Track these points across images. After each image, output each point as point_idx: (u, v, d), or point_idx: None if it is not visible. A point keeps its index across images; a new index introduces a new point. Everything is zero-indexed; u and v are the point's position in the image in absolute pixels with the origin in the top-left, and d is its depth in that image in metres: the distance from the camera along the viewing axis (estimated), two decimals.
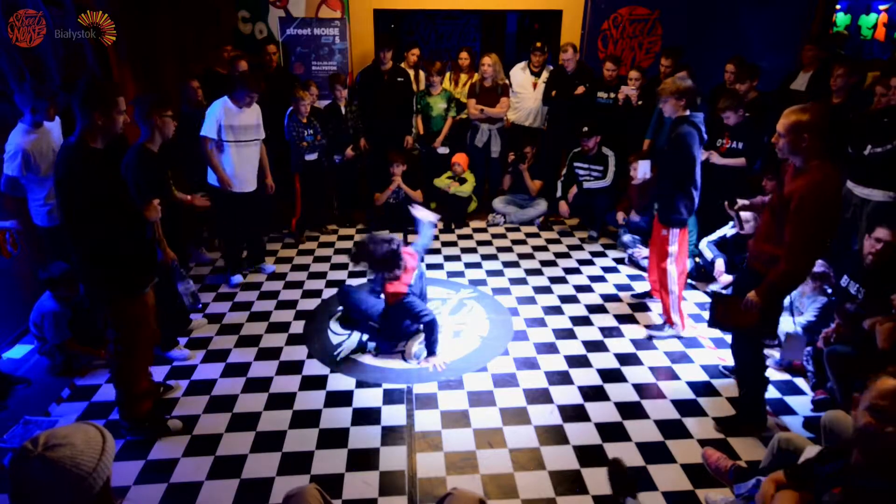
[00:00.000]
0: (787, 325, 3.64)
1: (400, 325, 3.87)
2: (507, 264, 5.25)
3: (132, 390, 3.05)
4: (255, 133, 4.51)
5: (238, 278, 4.81)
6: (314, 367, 3.74)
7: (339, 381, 3.60)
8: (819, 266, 3.60)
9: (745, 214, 4.06)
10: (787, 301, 3.64)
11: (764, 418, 3.16)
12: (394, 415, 3.30)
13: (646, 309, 4.46)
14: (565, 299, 4.62)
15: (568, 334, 4.12)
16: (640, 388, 3.52)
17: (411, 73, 6.13)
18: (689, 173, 3.76)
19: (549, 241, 5.79)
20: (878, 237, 3.21)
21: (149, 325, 3.05)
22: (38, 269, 3.60)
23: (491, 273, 5.08)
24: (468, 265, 5.23)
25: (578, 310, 4.46)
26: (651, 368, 3.72)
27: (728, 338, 4.02)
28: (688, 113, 3.77)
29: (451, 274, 5.06)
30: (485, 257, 5.40)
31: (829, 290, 3.66)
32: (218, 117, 4.27)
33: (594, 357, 3.85)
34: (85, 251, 2.74)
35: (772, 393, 3.47)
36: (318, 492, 1.95)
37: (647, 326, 4.20)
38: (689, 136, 3.68)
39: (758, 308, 2.85)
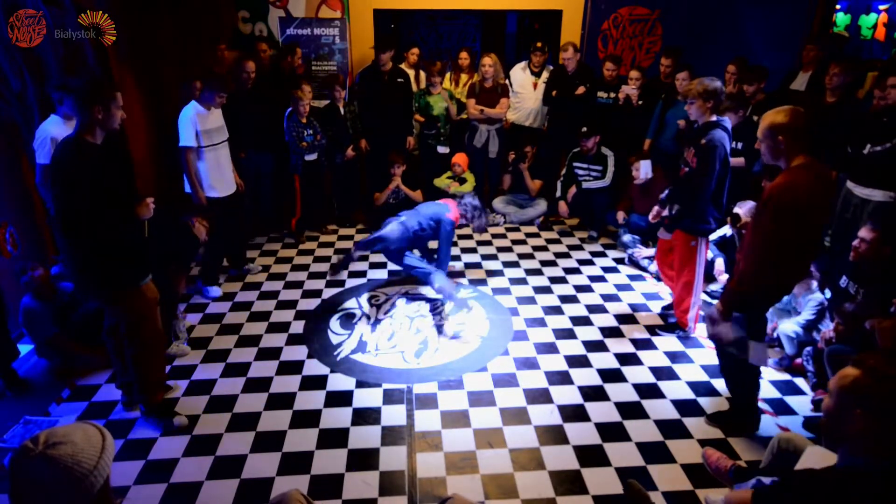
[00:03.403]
0: (789, 325, 3.64)
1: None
2: (507, 264, 5.25)
3: (149, 377, 3.11)
4: (225, 133, 4.46)
5: (217, 291, 4.65)
6: (314, 367, 3.74)
7: (339, 381, 3.60)
8: None
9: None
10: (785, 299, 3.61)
11: (757, 419, 3.14)
12: (394, 415, 3.29)
13: (645, 309, 4.46)
14: (565, 299, 4.62)
15: (568, 334, 4.12)
16: (640, 388, 3.53)
17: (411, 73, 6.13)
18: (721, 182, 3.53)
19: (549, 241, 5.79)
20: (863, 237, 3.27)
21: (154, 318, 3.05)
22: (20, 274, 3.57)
23: (491, 273, 5.08)
24: (468, 265, 5.23)
25: (578, 310, 4.46)
26: (651, 368, 3.73)
27: None
28: (715, 118, 3.51)
29: (452, 274, 5.05)
30: (485, 257, 5.40)
31: (815, 286, 3.66)
32: (194, 124, 4.16)
33: (594, 357, 3.84)
34: (78, 247, 2.75)
35: (772, 393, 3.48)
36: (303, 497, 1.95)
37: (656, 327, 4.14)
38: (722, 144, 3.44)
39: (721, 316, 2.81)
